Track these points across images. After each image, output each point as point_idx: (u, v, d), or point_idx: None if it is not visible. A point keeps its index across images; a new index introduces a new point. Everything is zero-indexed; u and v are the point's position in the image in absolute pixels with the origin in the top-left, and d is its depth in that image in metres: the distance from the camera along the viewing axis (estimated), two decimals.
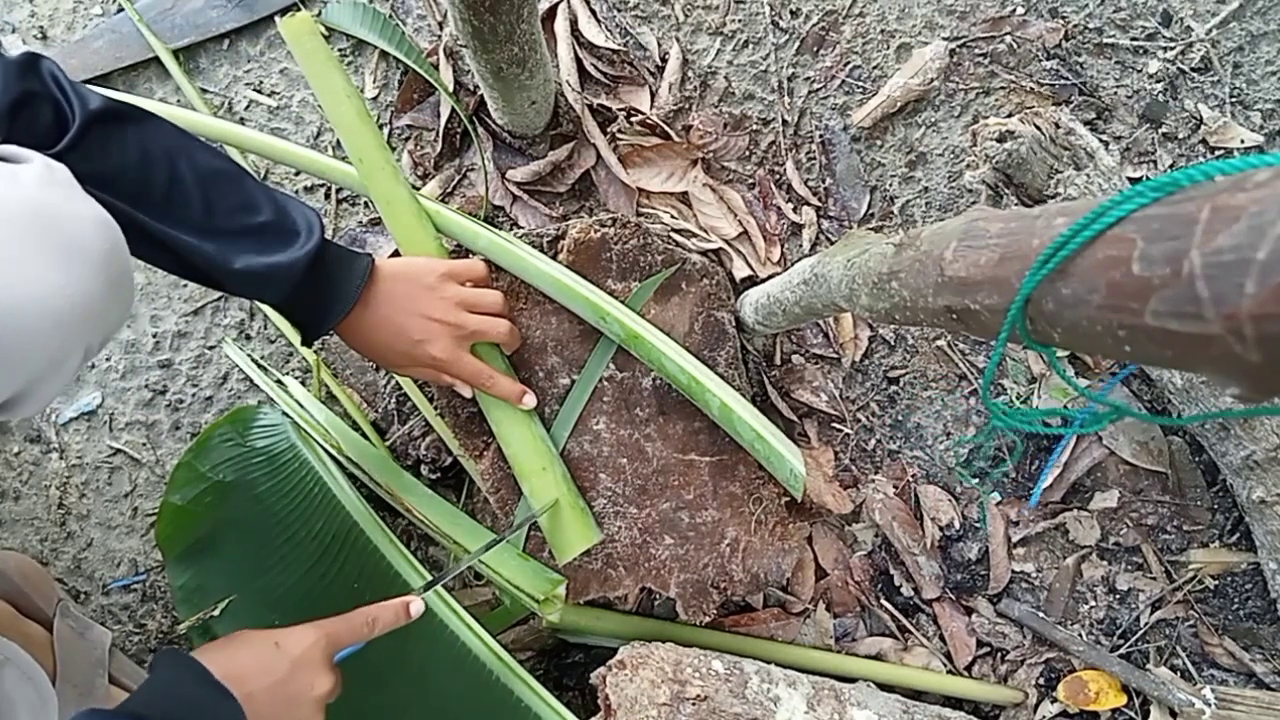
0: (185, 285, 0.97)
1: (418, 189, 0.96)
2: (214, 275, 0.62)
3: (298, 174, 0.98)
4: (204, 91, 0.98)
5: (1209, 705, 0.85)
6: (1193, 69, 0.96)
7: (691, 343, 0.85)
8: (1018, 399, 0.94)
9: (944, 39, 0.96)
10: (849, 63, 0.97)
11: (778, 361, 0.96)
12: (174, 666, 0.55)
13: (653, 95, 0.97)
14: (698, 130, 0.96)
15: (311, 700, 0.60)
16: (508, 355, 0.82)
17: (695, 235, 0.95)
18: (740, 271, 0.94)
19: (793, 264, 0.85)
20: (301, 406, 0.91)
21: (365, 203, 0.98)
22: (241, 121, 0.98)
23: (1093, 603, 0.93)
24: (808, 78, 0.97)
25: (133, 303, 0.53)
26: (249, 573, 0.86)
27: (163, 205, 0.58)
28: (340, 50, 0.99)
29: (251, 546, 0.87)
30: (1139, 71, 0.96)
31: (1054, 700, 0.91)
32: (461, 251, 0.85)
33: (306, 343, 0.70)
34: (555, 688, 0.91)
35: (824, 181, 0.97)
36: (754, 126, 0.97)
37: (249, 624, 0.85)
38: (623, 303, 0.85)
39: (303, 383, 0.95)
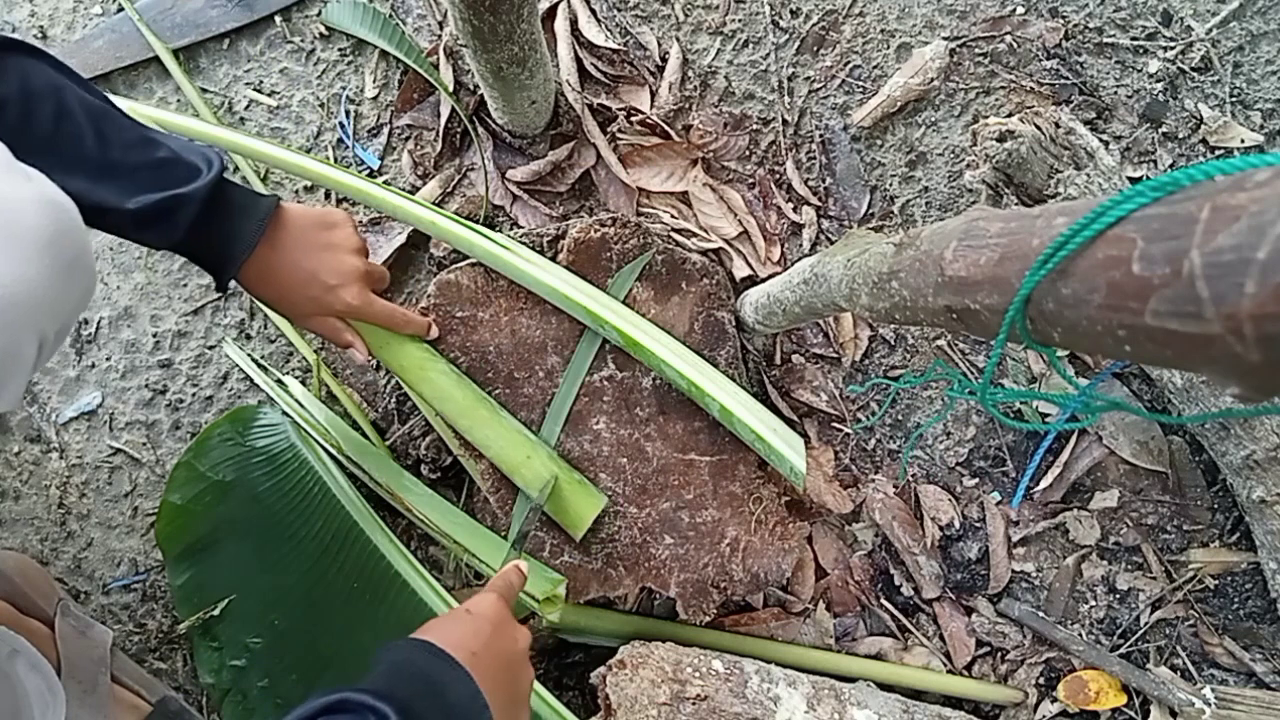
0: (185, 285, 0.97)
1: (417, 189, 0.97)
2: (109, 215, 0.59)
3: None
4: (204, 91, 0.98)
5: (1209, 705, 0.85)
6: (1193, 69, 0.96)
7: (692, 342, 0.86)
8: (1018, 400, 0.94)
9: (944, 38, 0.96)
10: (849, 62, 0.97)
11: (778, 361, 0.96)
12: (402, 647, 0.55)
13: (653, 95, 0.97)
14: (698, 130, 0.96)
15: (520, 652, 0.62)
16: (503, 359, 0.83)
17: (695, 235, 0.95)
18: (740, 271, 0.94)
19: (793, 264, 0.85)
20: (301, 406, 0.91)
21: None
22: (242, 121, 0.98)
23: (1093, 602, 0.93)
24: (808, 77, 0.97)
25: (94, 286, 0.50)
26: (249, 572, 0.86)
27: (49, 141, 0.55)
28: (340, 50, 0.99)
29: (251, 546, 0.87)
30: (1139, 71, 0.96)
31: (1054, 700, 0.91)
32: (460, 256, 0.85)
33: (220, 286, 0.67)
34: (555, 688, 0.91)
35: (824, 181, 0.97)
36: (754, 126, 0.97)
37: (249, 624, 0.86)
38: (623, 303, 0.85)
39: (303, 382, 0.95)
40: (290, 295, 0.71)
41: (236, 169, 0.98)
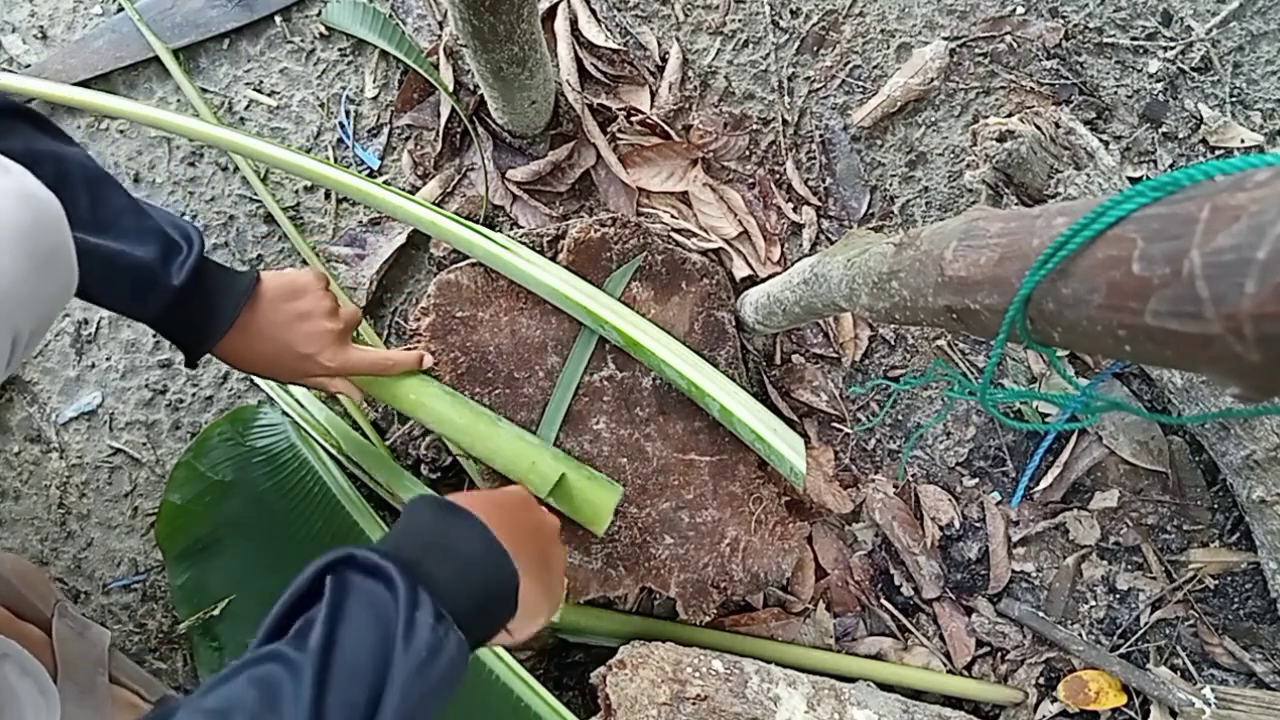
0: None
1: (417, 189, 0.97)
2: (97, 274, 0.58)
3: None
4: (204, 91, 0.98)
5: (1209, 705, 0.85)
6: (1193, 69, 0.96)
7: (692, 342, 0.86)
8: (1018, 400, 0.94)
9: (944, 38, 0.96)
10: (849, 62, 0.97)
11: (778, 361, 0.96)
12: (417, 505, 0.55)
13: (653, 95, 0.97)
14: (698, 130, 0.96)
15: (549, 527, 0.63)
16: (507, 357, 0.83)
17: (695, 235, 0.95)
18: (740, 271, 0.94)
19: (793, 264, 0.85)
20: (301, 406, 0.92)
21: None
22: (242, 121, 0.98)
23: (1093, 602, 0.93)
24: (808, 77, 0.97)
25: (74, 282, 0.49)
26: (249, 573, 0.86)
27: None
28: (340, 50, 0.99)
29: (251, 546, 0.87)
30: (1139, 71, 0.96)
31: (1054, 700, 0.91)
32: (460, 256, 0.85)
33: (191, 363, 0.68)
34: (555, 688, 0.91)
35: (824, 181, 0.97)
36: (754, 126, 0.97)
37: (249, 624, 0.86)
38: (623, 303, 0.85)
39: None
40: (267, 367, 0.71)
41: (236, 169, 0.98)
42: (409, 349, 0.82)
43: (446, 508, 0.54)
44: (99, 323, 0.97)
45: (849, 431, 0.95)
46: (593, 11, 0.97)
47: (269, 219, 0.97)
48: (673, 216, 0.96)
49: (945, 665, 0.92)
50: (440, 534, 0.52)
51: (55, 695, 0.64)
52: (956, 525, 0.93)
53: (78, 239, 0.55)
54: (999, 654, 0.93)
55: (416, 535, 0.51)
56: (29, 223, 0.43)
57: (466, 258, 0.85)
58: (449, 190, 0.97)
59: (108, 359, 0.96)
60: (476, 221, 0.89)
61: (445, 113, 0.96)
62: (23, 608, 0.81)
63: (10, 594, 0.81)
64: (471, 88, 0.97)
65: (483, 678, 0.80)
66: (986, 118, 0.93)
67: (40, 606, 0.82)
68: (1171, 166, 0.96)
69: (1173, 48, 0.96)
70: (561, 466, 0.79)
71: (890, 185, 0.97)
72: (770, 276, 0.91)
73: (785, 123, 0.97)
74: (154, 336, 0.96)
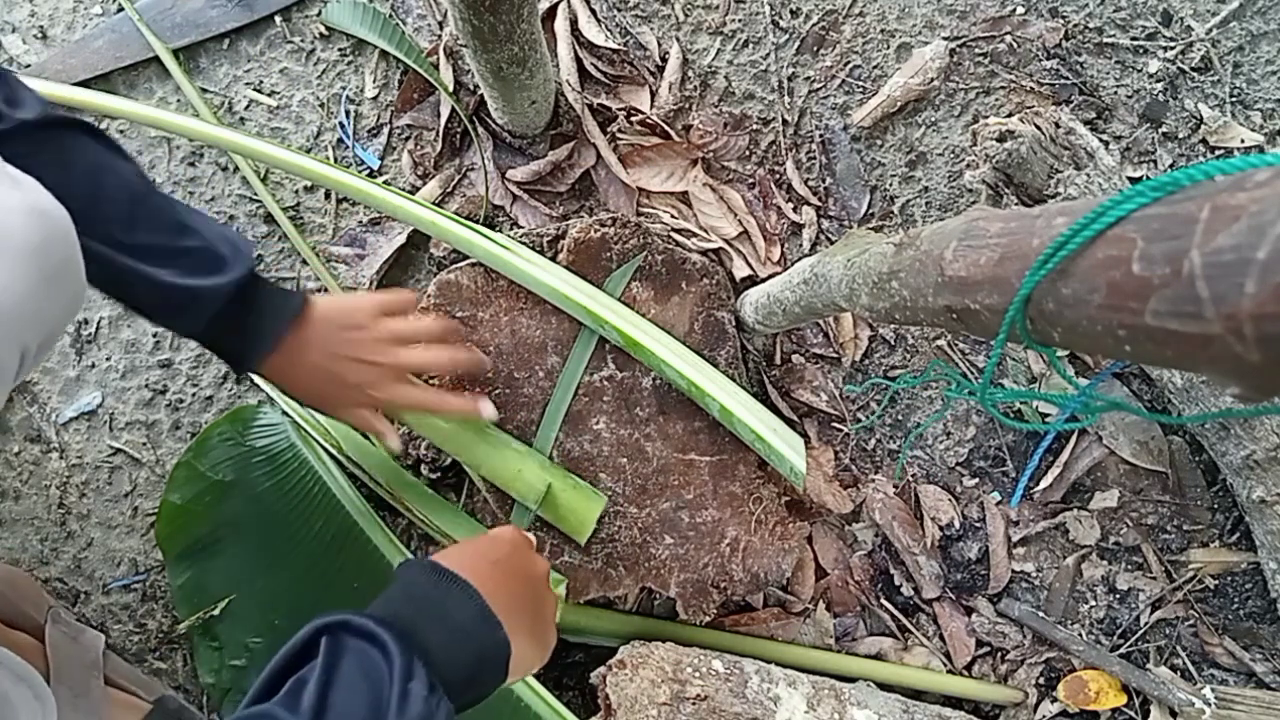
0: None
1: (417, 189, 0.97)
2: (135, 289, 0.58)
3: None
4: (204, 91, 0.98)
5: (1209, 705, 0.85)
6: (1193, 69, 0.96)
7: (692, 342, 0.86)
8: (1018, 400, 0.94)
9: (944, 38, 0.96)
10: (849, 62, 0.97)
11: (778, 361, 0.96)
12: (412, 568, 0.55)
13: (653, 95, 0.97)
14: (698, 130, 0.96)
15: (541, 574, 0.62)
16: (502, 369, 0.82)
17: (695, 235, 0.95)
18: (740, 271, 0.94)
19: (793, 264, 0.85)
20: (301, 405, 0.92)
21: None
22: (242, 121, 0.98)
23: (1093, 602, 0.93)
24: (808, 77, 0.97)
25: (82, 295, 0.49)
26: (249, 573, 0.86)
27: (77, 218, 0.54)
28: (340, 50, 0.99)
29: (251, 546, 0.87)
30: (1139, 71, 0.96)
31: (1054, 700, 0.91)
32: (460, 256, 0.85)
33: (237, 377, 0.67)
34: (555, 688, 0.91)
35: (824, 181, 0.97)
36: (754, 126, 0.97)
37: (249, 624, 0.86)
38: (623, 303, 0.85)
39: None
40: (314, 393, 0.69)
41: (236, 169, 0.98)
42: (469, 393, 0.79)
43: (440, 573, 0.53)
44: (99, 323, 0.97)
45: (849, 431, 0.95)
46: (593, 11, 0.97)
47: (269, 219, 0.97)
48: (673, 216, 0.96)
49: (945, 665, 0.92)
50: (435, 602, 0.52)
51: (51, 700, 0.64)
52: (956, 525, 0.93)
53: (117, 258, 0.55)
54: (999, 654, 0.93)
55: (411, 602, 0.51)
56: (39, 239, 0.43)
57: (466, 258, 0.85)
58: (449, 190, 0.97)
59: (108, 359, 0.96)
60: (476, 221, 0.89)
61: (445, 113, 0.96)
62: (15, 617, 0.81)
63: (2, 604, 0.81)
64: (471, 88, 0.97)
65: None
66: (986, 118, 0.93)
67: (33, 614, 0.82)
68: (1171, 166, 0.96)
69: (1173, 48, 0.96)
70: (548, 476, 0.79)
71: (890, 185, 0.97)
72: (770, 276, 0.91)
73: (785, 123, 0.97)
74: (154, 336, 0.96)
